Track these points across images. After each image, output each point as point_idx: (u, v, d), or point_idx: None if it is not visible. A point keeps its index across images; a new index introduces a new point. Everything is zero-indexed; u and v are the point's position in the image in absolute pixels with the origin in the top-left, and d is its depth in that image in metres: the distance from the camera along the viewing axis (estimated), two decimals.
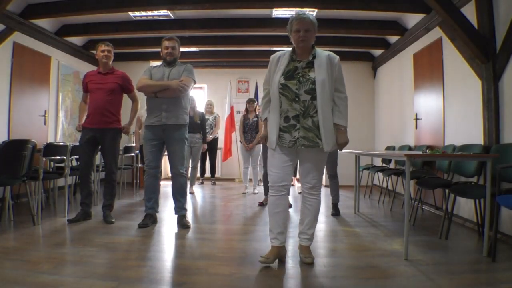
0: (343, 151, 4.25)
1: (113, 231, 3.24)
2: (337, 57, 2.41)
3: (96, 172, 4.45)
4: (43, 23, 5.11)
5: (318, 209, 2.47)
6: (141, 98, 3.71)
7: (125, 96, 3.77)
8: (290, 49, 2.44)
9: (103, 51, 3.63)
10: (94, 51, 3.77)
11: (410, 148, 5.00)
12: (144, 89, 3.36)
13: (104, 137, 3.57)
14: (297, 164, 2.57)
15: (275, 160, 2.42)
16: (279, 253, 2.43)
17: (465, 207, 3.62)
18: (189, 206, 4.51)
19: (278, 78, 2.34)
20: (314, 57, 2.36)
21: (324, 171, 4.65)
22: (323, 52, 2.40)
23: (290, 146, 2.36)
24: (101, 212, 3.62)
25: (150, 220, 3.45)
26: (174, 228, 3.41)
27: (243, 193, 5.71)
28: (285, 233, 2.47)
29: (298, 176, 2.60)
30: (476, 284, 2.12)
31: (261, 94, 2.90)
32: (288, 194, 2.50)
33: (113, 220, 3.56)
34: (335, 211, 4.07)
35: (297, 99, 2.31)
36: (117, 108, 3.65)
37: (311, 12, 5.02)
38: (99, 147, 3.69)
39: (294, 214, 3.95)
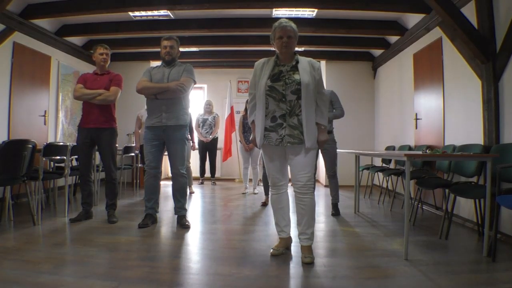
0: (343, 151, 4.31)
1: (113, 231, 3.24)
2: (318, 62, 2.59)
3: (96, 172, 4.46)
4: (43, 23, 5.11)
5: (313, 208, 2.51)
6: (141, 98, 3.71)
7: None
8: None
9: (101, 54, 3.64)
10: (92, 51, 3.77)
11: (410, 148, 5.00)
12: (144, 92, 3.37)
13: (100, 137, 3.57)
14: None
15: (272, 165, 2.58)
16: (287, 243, 2.67)
17: (465, 207, 3.62)
18: (189, 206, 4.51)
19: (265, 81, 2.46)
20: (297, 62, 2.51)
21: (324, 171, 4.70)
22: (304, 58, 2.56)
23: (277, 144, 2.46)
24: (102, 212, 3.63)
25: (150, 220, 3.45)
26: (174, 228, 3.41)
27: (243, 193, 5.71)
28: (289, 224, 2.70)
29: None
30: (476, 284, 2.12)
31: None
32: (287, 190, 2.70)
33: (116, 220, 3.57)
34: (335, 211, 4.07)
35: (283, 99, 2.43)
36: (112, 108, 3.65)
37: (311, 12, 5.04)
38: (96, 147, 3.69)
39: (293, 215, 3.95)
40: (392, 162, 5.36)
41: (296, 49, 2.63)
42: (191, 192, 5.76)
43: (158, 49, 3.60)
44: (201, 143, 6.63)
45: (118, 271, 2.25)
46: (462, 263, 2.47)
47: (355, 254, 2.66)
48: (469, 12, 3.47)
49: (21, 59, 4.78)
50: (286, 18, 2.81)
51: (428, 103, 4.65)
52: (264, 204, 4.67)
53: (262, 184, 4.89)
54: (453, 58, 3.93)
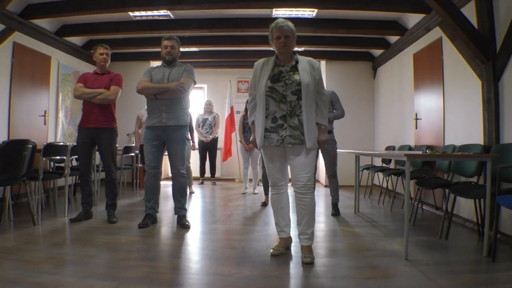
0: (343, 151, 4.31)
1: (113, 231, 3.24)
2: (318, 62, 2.58)
3: (96, 172, 4.46)
4: (43, 23, 5.11)
5: (313, 208, 2.51)
6: (141, 98, 3.71)
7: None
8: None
9: (101, 54, 3.64)
10: (92, 51, 3.78)
11: (410, 148, 5.00)
12: (144, 92, 3.37)
13: (100, 137, 3.57)
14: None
15: (272, 165, 2.58)
16: (287, 243, 2.68)
17: (465, 207, 3.62)
18: (189, 206, 4.51)
19: (265, 82, 2.45)
20: (297, 62, 2.50)
21: (324, 171, 4.70)
22: (304, 58, 2.54)
23: (278, 145, 2.46)
24: (102, 212, 3.63)
25: (150, 220, 3.45)
26: (174, 228, 3.41)
27: (243, 193, 5.71)
28: (289, 224, 2.70)
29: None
30: (476, 284, 2.12)
31: None
32: (287, 190, 2.69)
33: (116, 220, 3.57)
34: (335, 211, 4.07)
35: (284, 100, 2.43)
36: (112, 108, 3.65)
37: (311, 12, 5.04)
38: (96, 146, 3.69)
39: (292, 215, 3.95)
40: (392, 162, 5.37)
41: (296, 49, 2.63)
42: (191, 192, 5.76)
43: (158, 49, 3.60)
44: (201, 143, 6.63)
45: (118, 271, 2.25)
46: (462, 263, 2.47)
47: (355, 254, 2.66)
48: (469, 12, 3.47)
49: (21, 59, 4.78)
50: (286, 18, 2.80)
51: (428, 103, 4.65)
52: (264, 204, 4.68)
53: (262, 184, 4.90)
54: (453, 58, 3.93)
